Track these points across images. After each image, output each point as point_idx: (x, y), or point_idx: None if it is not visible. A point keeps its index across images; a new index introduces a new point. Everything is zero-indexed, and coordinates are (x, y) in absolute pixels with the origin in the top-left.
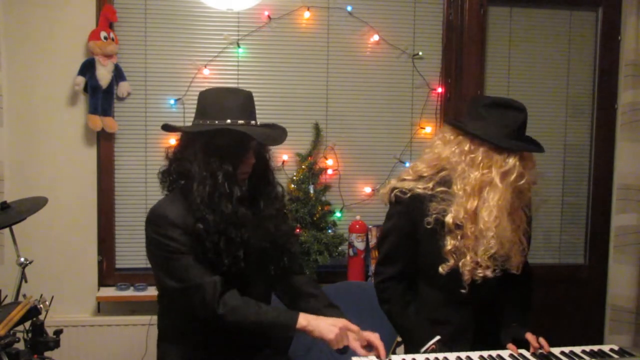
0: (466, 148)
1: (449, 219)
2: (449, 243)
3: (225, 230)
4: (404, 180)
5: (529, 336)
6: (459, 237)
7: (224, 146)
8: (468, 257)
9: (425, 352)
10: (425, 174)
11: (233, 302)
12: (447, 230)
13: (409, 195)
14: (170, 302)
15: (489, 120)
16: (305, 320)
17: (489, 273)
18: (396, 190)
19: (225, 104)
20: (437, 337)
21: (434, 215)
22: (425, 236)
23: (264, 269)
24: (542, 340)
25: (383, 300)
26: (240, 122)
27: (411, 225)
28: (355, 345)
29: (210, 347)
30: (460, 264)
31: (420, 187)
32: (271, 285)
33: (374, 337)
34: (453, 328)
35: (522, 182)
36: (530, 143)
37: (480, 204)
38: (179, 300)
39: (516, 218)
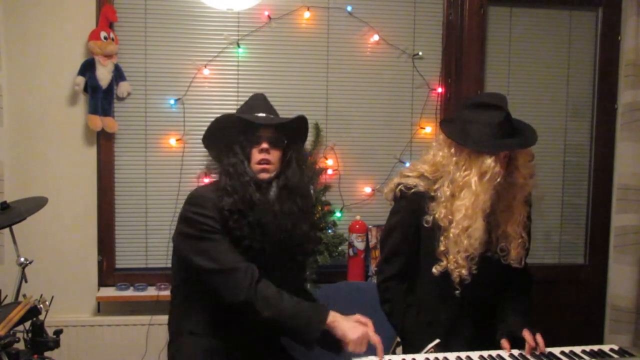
0: (452, 151)
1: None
2: (442, 244)
3: (243, 212)
4: (408, 177)
5: (526, 333)
6: (446, 238)
7: (233, 135)
8: (451, 257)
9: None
10: (426, 174)
11: (267, 292)
12: (442, 231)
13: (412, 191)
14: (190, 292)
15: (471, 122)
16: (333, 316)
17: (464, 272)
18: (400, 186)
19: (251, 104)
20: (437, 340)
21: (432, 216)
22: (425, 234)
23: (281, 265)
24: (538, 337)
25: (385, 300)
26: (261, 114)
27: (415, 221)
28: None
29: (232, 337)
30: (449, 265)
31: (422, 185)
32: (287, 285)
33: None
34: (450, 327)
35: (499, 181)
36: (520, 136)
37: (458, 205)
38: (210, 282)
39: (516, 213)
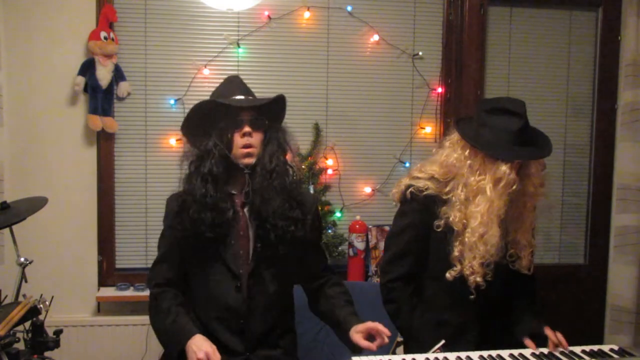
0: (467, 154)
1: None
2: (456, 249)
3: (193, 206)
4: (418, 178)
5: (548, 331)
6: (461, 243)
7: (212, 121)
8: (466, 263)
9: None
10: (437, 176)
11: (154, 302)
12: (455, 236)
13: (424, 193)
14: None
15: (488, 126)
16: (189, 345)
17: (479, 279)
18: (412, 188)
19: (227, 87)
20: (443, 342)
21: (443, 219)
22: (435, 238)
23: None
24: (559, 335)
25: (389, 301)
26: (239, 97)
27: (425, 224)
28: (357, 339)
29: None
30: (464, 270)
31: (433, 188)
32: (286, 271)
33: (374, 325)
34: (457, 329)
35: (514, 188)
36: (536, 145)
37: (473, 211)
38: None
39: (526, 221)
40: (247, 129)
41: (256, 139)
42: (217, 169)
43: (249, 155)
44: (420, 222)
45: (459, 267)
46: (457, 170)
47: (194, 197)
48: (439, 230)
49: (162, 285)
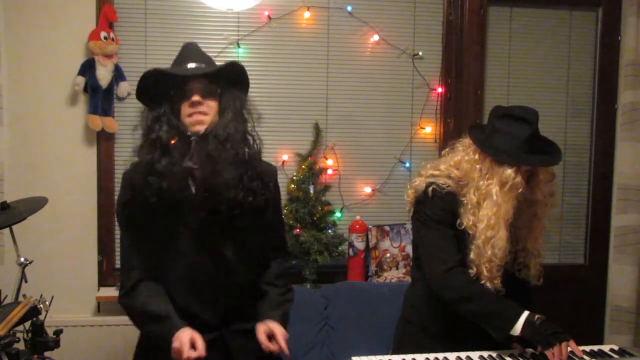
0: (476, 157)
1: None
2: (472, 252)
3: (143, 178)
4: (436, 176)
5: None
6: (476, 247)
7: (159, 90)
8: (482, 268)
9: None
10: (453, 176)
11: (135, 301)
12: (470, 239)
13: (445, 191)
14: None
15: (498, 131)
16: (176, 336)
17: (488, 284)
18: (433, 185)
19: (181, 55)
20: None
21: (462, 220)
22: (458, 236)
23: (211, 225)
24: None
25: (452, 289)
26: (191, 65)
27: (450, 220)
28: (261, 338)
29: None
30: (480, 274)
31: (453, 186)
32: (243, 252)
33: (275, 327)
34: (460, 332)
35: (520, 191)
36: (545, 154)
37: (482, 214)
38: None
39: (536, 230)
40: (195, 97)
41: (208, 107)
42: (166, 135)
43: (198, 122)
44: (446, 218)
45: (474, 270)
46: (469, 174)
47: (142, 167)
48: (461, 228)
49: (130, 287)
